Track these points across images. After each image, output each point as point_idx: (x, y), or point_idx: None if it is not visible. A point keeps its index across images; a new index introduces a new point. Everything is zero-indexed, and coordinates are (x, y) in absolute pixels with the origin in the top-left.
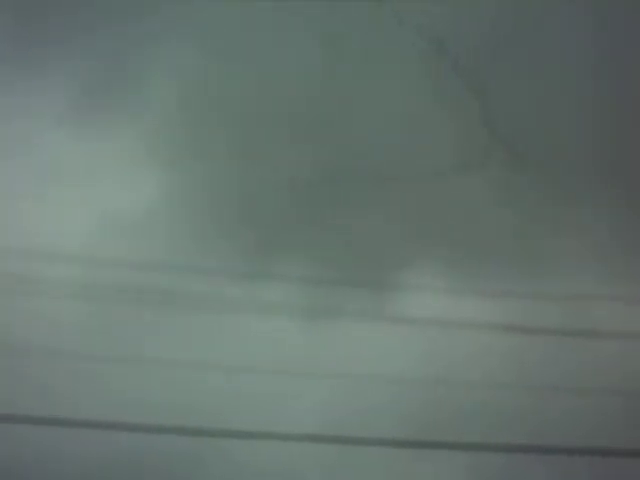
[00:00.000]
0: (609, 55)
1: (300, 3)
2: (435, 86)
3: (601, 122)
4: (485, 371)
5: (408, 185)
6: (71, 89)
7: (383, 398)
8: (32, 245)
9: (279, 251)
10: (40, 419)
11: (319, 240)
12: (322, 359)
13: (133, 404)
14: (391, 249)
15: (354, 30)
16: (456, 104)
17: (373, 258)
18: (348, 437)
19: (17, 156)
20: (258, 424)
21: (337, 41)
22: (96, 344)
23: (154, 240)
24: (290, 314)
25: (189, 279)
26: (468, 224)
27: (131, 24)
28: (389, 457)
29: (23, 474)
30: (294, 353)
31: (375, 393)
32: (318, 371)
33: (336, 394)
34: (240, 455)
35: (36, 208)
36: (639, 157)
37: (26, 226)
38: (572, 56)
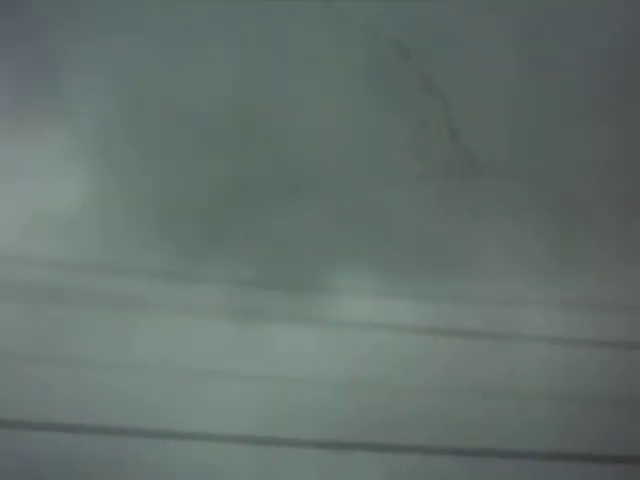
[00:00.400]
0: (576, 61)
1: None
2: (384, 90)
3: (537, 128)
4: (410, 374)
5: (338, 190)
6: (1, 87)
7: (310, 400)
8: None
9: (208, 253)
10: None
11: (248, 242)
12: (250, 361)
13: (68, 404)
14: (319, 252)
15: (296, 31)
16: (405, 111)
17: (301, 261)
18: (275, 438)
19: None
20: (187, 425)
21: (277, 42)
22: (24, 344)
23: (84, 240)
24: (219, 316)
25: (117, 280)
26: (396, 228)
27: (66, 21)
28: (317, 459)
29: None
30: (223, 355)
31: (303, 395)
32: (246, 373)
33: (264, 396)
34: (168, 455)
35: None
36: (573, 164)
37: None
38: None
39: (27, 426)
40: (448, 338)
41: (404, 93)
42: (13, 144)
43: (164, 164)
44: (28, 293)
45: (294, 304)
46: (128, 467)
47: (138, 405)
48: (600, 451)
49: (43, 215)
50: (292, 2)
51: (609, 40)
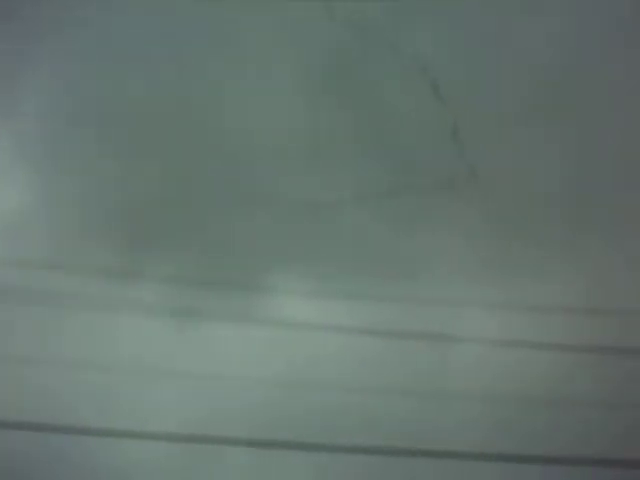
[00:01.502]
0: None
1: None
2: (335, 90)
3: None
4: (347, 374)
5: (280, 190)
6: None
7: (244, 399)
8: None
9: (148, 251)
10: None
11: (188, 241)
12: (187, 359)
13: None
14: (261, 252)
15: (242, 27)
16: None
17: (242, 260)
18: (206, 437)
19: None
20: (121, 422)
21: (218, 38)
22: None
23: (21, 239)
24: (157, 314)
25: (59, 277)
26: (339, 229)
27: (4, 22)
28: (249, 457)
29: None
30: (159, 352)
31: (237, 394)
32: (182, 371)
33: (198, 394)
34: (96, 453)
35: None
36: (514, 170)
37: None
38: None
39: None
40: (386, 339)
41: (352, 92)
42: None
43: (103, 163)
44: None
45: (233, 303)
46: (54, 465)
47: (68, 402)
48: (533, 452)
49: None
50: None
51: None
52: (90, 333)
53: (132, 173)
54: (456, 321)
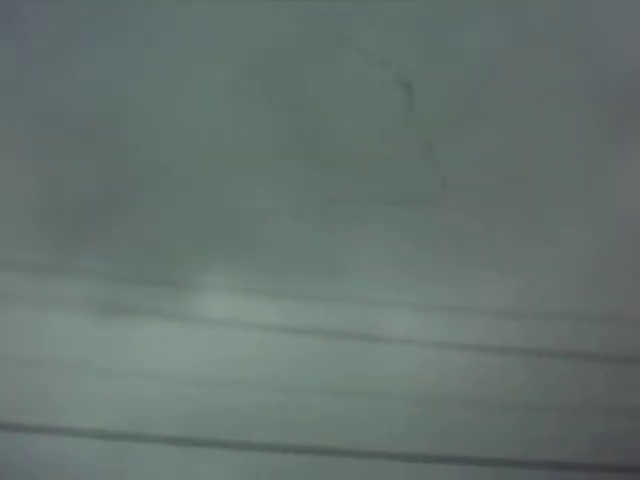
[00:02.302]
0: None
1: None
2: (262, 90)
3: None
4: (271, 373)
5: (209, 189)
6: None
7: (170, 397)
8: None
9: (76, 248)
10: None
11: (118, 237)
12: (113, 356)
13: None
14: (188, 249)
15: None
16: (276, 111)
17: (170, 257)
18: (131, 434)
19: None
20: (47, 419)
21: (139, 40)
22: None
23: None
24: (86, 310)
25: None
26: (267, 228)
27: None
28: (173, 455)
29: None
30: (85, 348)
31: (163, 391)
32: (108, 367)
33: (124, 391)
34: (22, 449)
35: None
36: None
37: None
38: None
39: None
40: (311, 338)
41: (289, 95)
42: None
43: (33, 163)
44: None
45: (161, 301)
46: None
47: (6, 398)
48: (450, 452)
49: None
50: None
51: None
52: (18, 329)
53: (62, 173)
54: (381, 322)
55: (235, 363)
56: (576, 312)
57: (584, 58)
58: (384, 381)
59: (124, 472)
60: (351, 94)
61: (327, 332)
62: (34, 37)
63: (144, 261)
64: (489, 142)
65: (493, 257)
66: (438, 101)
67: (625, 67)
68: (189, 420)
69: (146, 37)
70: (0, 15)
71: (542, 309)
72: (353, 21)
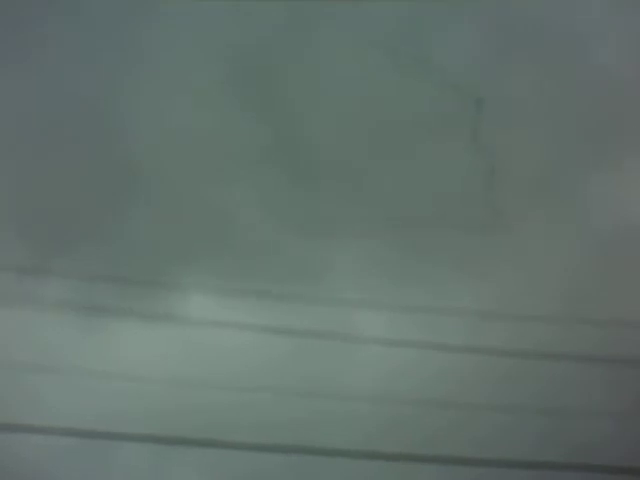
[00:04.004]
0: None
1: None
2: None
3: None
4: (246, 372)
5: (188, 192)
6: None
7: (146, 396)
8: None
9: (59, 249)
10: None
11: (100, 239)
12: (93, 356)
13: None
14: (167, 252)
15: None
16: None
17: (152, 259)
18: (108, 433)
19: None
20: (26, 417)
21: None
22: None
23: None
24: (65, 311)
25: None
26: (247, 231)
27: None
28: (149, 453)
29: None
30: (65, 349)
31: (140, 391)
32: (87, 368)
33: (103, 391)
34: (7, 447)
35: None
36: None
37: None
38: None
39: None
40: (289, 338)
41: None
42: None
43: (16, 165)
44: None
45: (139, 301)
46: None
47: None
48: (423, 451)
49: None
50: None
51: None
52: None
53: (47, 175)
54: (357, 323)
55: (212, 363)
56: (556, 314)
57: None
58: (360, 381)
59: (101, 470)
60: None
61: (304, 332)
62: (31, 37)
63: (127, 263)
64: None
65: (469, 260)
66: None
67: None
68: (166, 419)
69: (133, 41)
70: None
71: (519, 311)
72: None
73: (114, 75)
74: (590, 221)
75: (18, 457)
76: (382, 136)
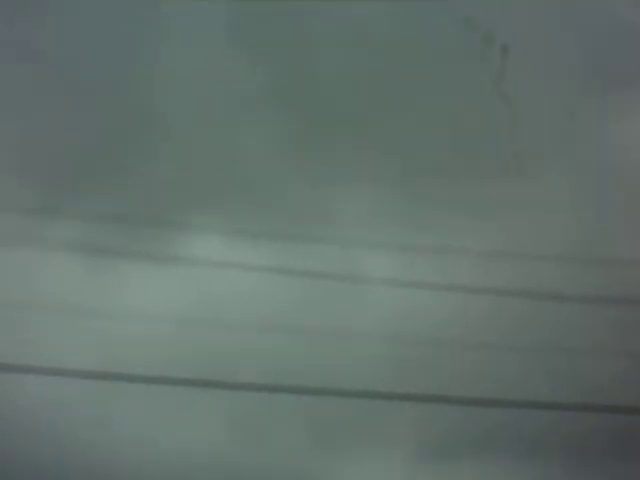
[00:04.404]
0: None
1: None
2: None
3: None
4: (251, 312)
5: (197, 136)
6: None
7: (154, 337)
8: None
9: (69, 189)
10: None
11: (109, 180)
12: (100, 296)
13: None
14: (179, 192)
15: None
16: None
17: (160, 199)
18: (113, 374)
19: None
20: (35, 359)
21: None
22: None
23: None
24: (74, 251)
25: None
26: (254, 174)
27: None
28: (152, 393)
29: None
30: (72, 290)
31: (147, 332)
32: (94, 308)
33: (108, 332)
34: (16, 389)
35: None
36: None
37: None
38: None
39: None
40: (297, 279)
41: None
42: None
43: (35, 111)
44: None
45: (148, 241)
46: None
47: None
48: (433, 392)
49: None
50: None
51: None
52: (6, 271)
53: (56, 117)
54: (364, 263)
55: (221, 304)
56: (564, 254)
57: None
58: (370, 322)
59: (107, 411)
60: None
61: (314, 274)
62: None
63: (136, 204)
64: None
65: (482, 206)
66: None
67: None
68: (174, 361)
69: None
70: None
71: (530, 252)
72: None
73: (128, 30)
74: (603, 166)
75: (24, 398)
76: (400, 82)
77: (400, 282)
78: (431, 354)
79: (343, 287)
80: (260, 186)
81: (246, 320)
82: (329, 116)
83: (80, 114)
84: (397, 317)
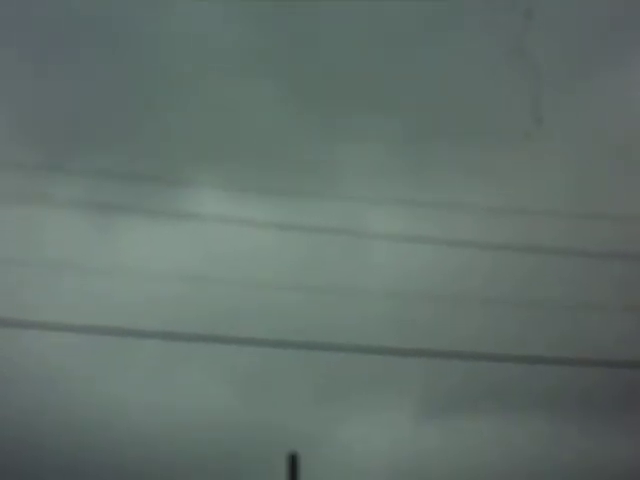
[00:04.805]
0: None
1: None
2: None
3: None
4: (258, 269)
5: (203, 94)
6: None
7: (158, 293)
8: None
9: (70, 147)
10: None
11: (113, 137)
12: (104, 253)
13: None
14: (182, 148)
15: None
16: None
17: (164, 156)
18: (120, 329)
19: None
20: (39, 315)
21: None
22: None
23: None
24: (79, 207)
25: None
26: (260, 128)
27: None
28: (161, 350)
29: None
30: (77, 246)
31: (151, 288)
32: (99, 265)
33: (114, 288)
34: (11, 343)
35: None
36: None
37: None
38: None
39: None
40: (302, 234)
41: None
42: None
43: (42, 66)
44: None
45: (152, 197)
46: None
47: None
48: (439, 347)
49: None
50: None
51: None
52: (8, 228)
53: (62, 76)
54: (368, 218)
55: (225, 260)
56: (568, 211)
57: None
58: (375, 277)
59: (112, 366)
60: None
61: (319, 229)
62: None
63: (141, 161)
64: None
65: (488, 164)
66: None
67: None
68: (178, 315)
69: None
70: None
71: (535, 208)
72: None
73: None
74: (613, 123)
75: (31, 353)
76: (412, 39)
77: (405, 237)
78: (436, 310)
79: (349, 243)
80: (265, 144)
81: (249, 276)
82: (336, 74)
83: (82, 71)
84: (402, 272)
